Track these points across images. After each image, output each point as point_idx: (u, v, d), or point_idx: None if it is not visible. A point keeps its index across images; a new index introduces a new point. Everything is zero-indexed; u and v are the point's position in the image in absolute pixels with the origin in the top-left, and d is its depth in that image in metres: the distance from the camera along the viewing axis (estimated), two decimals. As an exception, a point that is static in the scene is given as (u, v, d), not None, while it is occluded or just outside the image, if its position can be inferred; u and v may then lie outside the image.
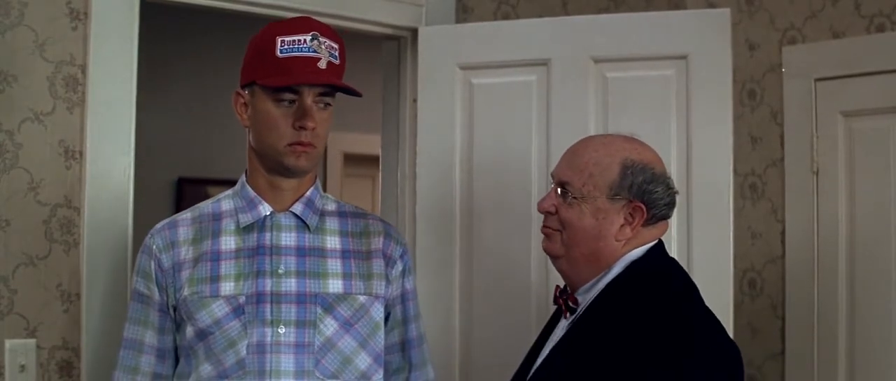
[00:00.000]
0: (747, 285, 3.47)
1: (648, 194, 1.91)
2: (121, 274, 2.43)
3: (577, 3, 3.35)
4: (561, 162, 2.01)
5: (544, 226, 2.00)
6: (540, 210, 1.99)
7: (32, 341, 2.33)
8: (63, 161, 2.40)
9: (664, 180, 1.95)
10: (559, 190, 1.95)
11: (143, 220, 2.45)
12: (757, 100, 3.46)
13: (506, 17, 3.18)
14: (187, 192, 4.58)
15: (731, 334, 2.09)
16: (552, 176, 2.01)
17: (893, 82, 3.10)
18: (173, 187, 4.64)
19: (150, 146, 3.44)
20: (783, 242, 3.37)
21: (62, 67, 2.40)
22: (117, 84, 2.45)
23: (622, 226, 1.91)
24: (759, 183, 3.45)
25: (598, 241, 1.91)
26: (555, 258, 1.99)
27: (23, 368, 2.30)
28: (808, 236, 3.29)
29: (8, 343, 2.30)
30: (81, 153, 2.42)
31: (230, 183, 2.12)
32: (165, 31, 3.97)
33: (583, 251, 1.93)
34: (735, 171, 3.50)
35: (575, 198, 1.92)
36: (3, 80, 2.33)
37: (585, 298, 1.93)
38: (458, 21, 3.05)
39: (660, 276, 1.92)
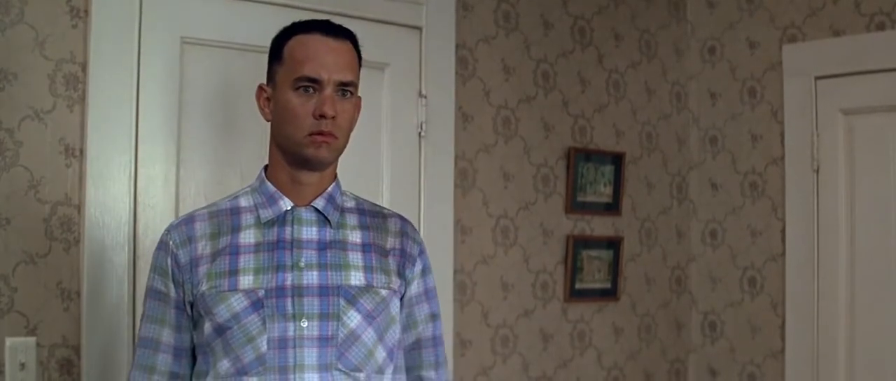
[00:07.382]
0: (747, 283, 3.47)
1: None
2: (121, 272, 2.42)
3: (576, 4, 3.35)
4: None
5: None
6: None
7: (32, 339, 2.32)
8: (63, 159, 2.39)
9: None
10: None
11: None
12: (757, 98, 3.46)
13: (506, 15, 3.17)
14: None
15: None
16: None
17: (893, 80, 3.10)
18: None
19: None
20: (783, 240, 3.37)
21: (62, 65, 2.40)
22: (118, 82, 2.45)
23: None
24: (759, 181, 3.45)
25: None
26: None
27: (23, 366, 2.29)
28: (808, 234, 3.29)
29: (8, 341, 2.29)
30: (82, 151, 2.41)
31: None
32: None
33: None
34: (736, 169, 3.51)
35: None
36: (3, 77, 2.32)
37: None
38: (457, 20, 3.05)
39: None
